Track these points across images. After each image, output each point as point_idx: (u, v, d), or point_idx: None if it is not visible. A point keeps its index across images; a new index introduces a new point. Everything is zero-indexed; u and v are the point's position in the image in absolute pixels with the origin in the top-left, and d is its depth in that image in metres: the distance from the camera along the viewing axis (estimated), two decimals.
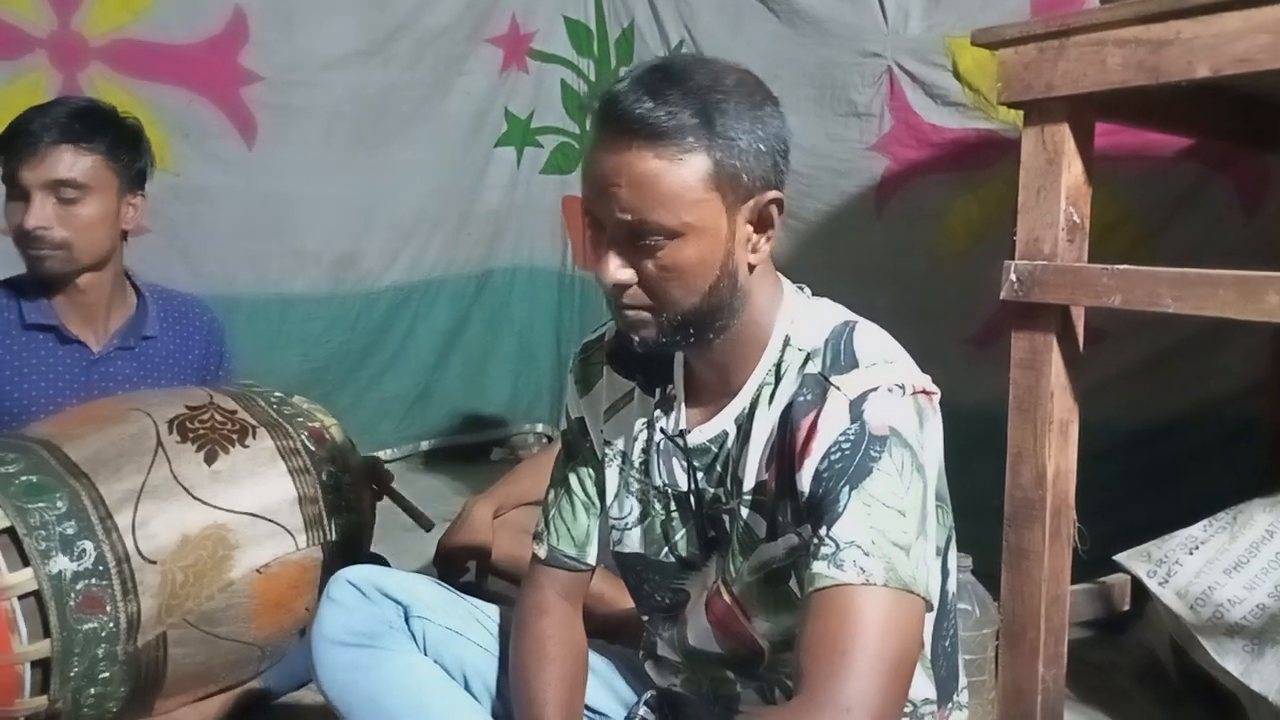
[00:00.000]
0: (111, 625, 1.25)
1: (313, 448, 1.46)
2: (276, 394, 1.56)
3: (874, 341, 0.96)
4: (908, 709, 1.00)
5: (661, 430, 1.05)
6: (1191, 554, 1.55)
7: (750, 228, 0.94)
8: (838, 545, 0.85)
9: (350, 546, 1.45)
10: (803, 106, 2.50)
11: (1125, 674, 1.77)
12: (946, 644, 1.04)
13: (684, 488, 1.04)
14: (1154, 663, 1.72)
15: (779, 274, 1.03)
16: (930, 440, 0.93)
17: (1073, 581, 1.39)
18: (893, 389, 0.90)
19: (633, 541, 1.10)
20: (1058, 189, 1.29)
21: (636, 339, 0.96)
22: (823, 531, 0.86)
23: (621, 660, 1.22)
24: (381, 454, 3.09)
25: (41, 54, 2.37)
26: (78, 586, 1.22)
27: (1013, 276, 1.32)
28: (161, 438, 1.35)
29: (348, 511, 1.45)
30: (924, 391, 0.94)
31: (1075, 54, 1.25)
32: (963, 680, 1.08)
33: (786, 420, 0.93)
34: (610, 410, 1.12)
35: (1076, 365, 1.34)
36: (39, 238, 1.54)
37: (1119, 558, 1.63)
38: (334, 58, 2.81)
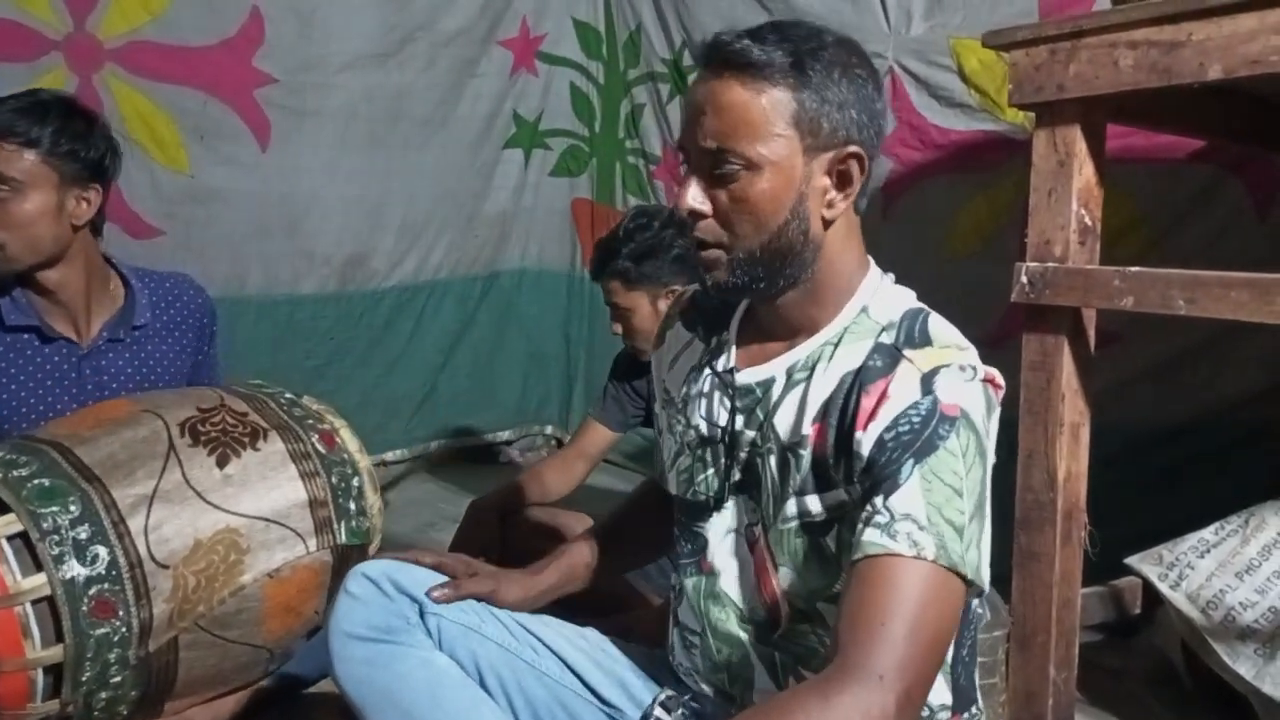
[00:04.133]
0: (124, 630, 1.25)
1: (323, 450, 1.46)
2: (287, 395, 1.55)
3: (948, 328, 0.99)
4: (925, 713, 1.00)
5: (711, 368, 1.09)
6: (1203, 557, 1.54)
7: (829, 180, 0.97)
8: (893, 516, 0.86)
9: (359, 549, 1.45)
10: None
11: (1137, 677, 1.76)
12: (964, 653, 1.04)
13: (722, 424, 1.06)
14: (1165, 666, 1.72)
15: (868, 255, 1.05)
16: (993, 429, 0.95)
17: (1084, 584, 1.38)
18: (965, 369, 0.93)
19: (671, 483, 1.15)
20: (1069, 191, 1.29)
21: (710, 282, 1.00)
22: (879, 500, 0.88)
23: (636, 657, 1.22)
24: (390, 455, 3.11)
25: (57, 55, 2.38)
26: (90, 592, 1.22)
27: (1024, 278, 1.32)
28: (173, 441, 1.35)
29: (357, 515, 1.46)
30: (992, 381, 0.96)
31: (1087, 56, 1.25)
32: (978, 695, 1.08)
33: (854, 383, 0.95)
34: (673, 360, 1.18)
35: (1088, 368, 1.33)
36: None
37: (1130, 561, 1.62)
38: (349, 60, 2.81)
